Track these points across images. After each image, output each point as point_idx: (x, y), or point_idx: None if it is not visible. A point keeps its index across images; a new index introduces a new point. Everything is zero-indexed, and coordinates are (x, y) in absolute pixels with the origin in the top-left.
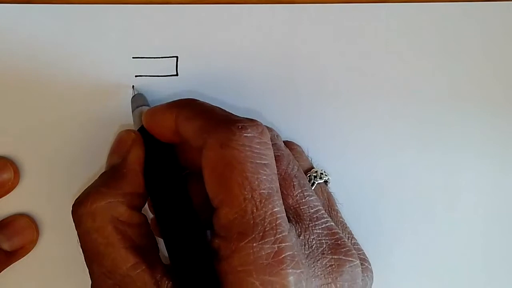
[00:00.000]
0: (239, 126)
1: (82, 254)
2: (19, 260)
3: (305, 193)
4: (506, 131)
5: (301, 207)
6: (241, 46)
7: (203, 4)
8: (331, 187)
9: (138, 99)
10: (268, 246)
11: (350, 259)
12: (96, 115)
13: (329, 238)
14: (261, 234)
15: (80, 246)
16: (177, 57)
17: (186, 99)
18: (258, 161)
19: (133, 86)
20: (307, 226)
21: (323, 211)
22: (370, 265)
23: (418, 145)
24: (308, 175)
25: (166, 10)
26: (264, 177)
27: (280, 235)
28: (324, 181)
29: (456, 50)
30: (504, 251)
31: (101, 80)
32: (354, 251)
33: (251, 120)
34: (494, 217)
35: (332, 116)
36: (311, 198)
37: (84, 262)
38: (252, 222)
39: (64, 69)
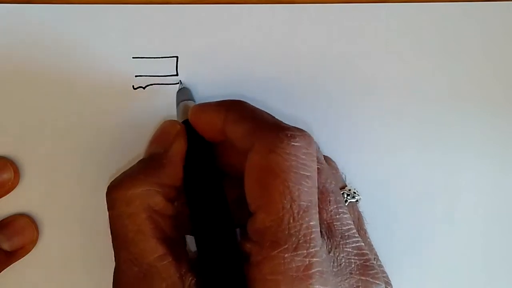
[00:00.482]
0: (288, 134)
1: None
2: (19, 260)
3: (339, 210)
4: (506, 131)
5: (335, 223)
6: (241, 46)
7: (203, 4)
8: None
9: (184, 93)
10: (299, 258)
11: (377, 282)
12: (96, 115)
13: (358, 258)
14: (294, 245)
15: (109, 229)
16: (177, 57)
17: (236, 100)
18: (302, 172)
19: (180, 80)
20: (338, 243)
21: (354, 230)
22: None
23: (418, 145)
24: (342, 192)
25: (166, 10)
26: (306, 189)
27: (313, 250)
28: (356, 201)
29: (456, 50)
30: (504, 251)
31: (101, 80)
32: (380, 274)
33: (300, 130)
34: (494, 217)
35: (332, 116)
36: (345, 216)
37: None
38: (287, 232)
39: (64, 69)
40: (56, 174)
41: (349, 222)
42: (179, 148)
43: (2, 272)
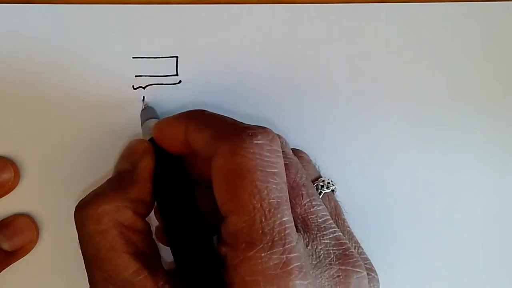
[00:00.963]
0: (249, 133)
1: (82, 258)
2: (19, 260)
3: (313, 203)
4: (506, 131)
5: (309, 217)
6: (241, 46)
7: (203, 4)
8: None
9: (148, 112)
10: (276, 256)
11: (358, 270)
12: (96, 115)
13: (337, 248)
14: (269, 244)
15: (80, 249)
16: (177, 57)
17: (195, 110)
18: (268, 170)
19: (143, 97)
20: (315, 236)
21: (331, 221)
22: (376, 275)
23: (418, 145)
24: (315, 184)
25: (166, 10)
26: (274, 186)
27: (289, 245)
28: (331, 190)
29: (456, 50)
30: (504, 251)
31: (101, 80)
32: (361, 262)
33: (261, 127)
34: (494, 217)
35: (332, 116)
36: (319, 208)
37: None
38: (260, 231)
39: (64, 69)
40: (56, 174)
41: (324, 213)
42: (147, 164)
43: (2, 272)
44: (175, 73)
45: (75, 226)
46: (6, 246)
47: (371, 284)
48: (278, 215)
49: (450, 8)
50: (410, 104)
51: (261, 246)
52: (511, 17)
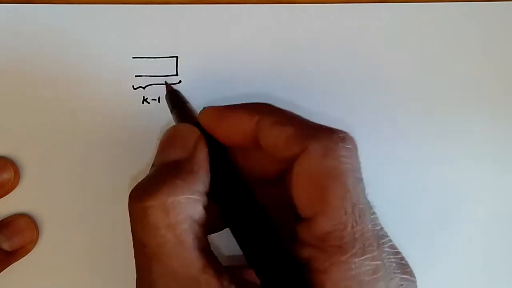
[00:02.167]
0: (340, 137)
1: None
2: (19, 260)
3: (371, 210)
4: (506, 131)
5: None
6: (241, 46)
7: (203, 4)
8: None
9: (177, 96)
10: (368, 262)
11: (413, 279)
12: (96, 115)
13: (394, 257)
14: (361, 250)
15: (133, 239)
16: (177, 57)
17: (265, 104)
18: (357, 175)
19: (165, 81)
20: (378, 244)
21: (385, 230)
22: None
23: (417, 145)
24: None
25: (166, 10)
26: (362, 191)
27: (376, 253)
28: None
29: (456, 50)
30: (504, 251)
31: (101, 80)
32: (413, 270)
33: (345, 132)
34: (494, 217)
35: (331, 116)
36: (376, 216)
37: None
38: (352, 236)
39: (64, 69)
40: (56, 174)
41: (379, 222)
42: (204, 153)
43: (2, 272)
44: (175, 73)
45: (75, 226)
46: (6, 246)
47: None
48: (366, 221)
49: (450, 8)
50: (409, 104)
51: (354, 251)
52: (511, 17)
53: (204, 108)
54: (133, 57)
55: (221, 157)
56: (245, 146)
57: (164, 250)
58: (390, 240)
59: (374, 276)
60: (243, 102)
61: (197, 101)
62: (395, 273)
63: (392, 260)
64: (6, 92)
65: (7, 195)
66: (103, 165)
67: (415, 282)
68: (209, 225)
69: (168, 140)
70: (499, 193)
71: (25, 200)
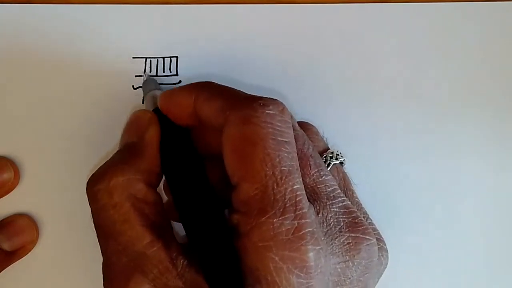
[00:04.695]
0: (261, 103)
1: (95, 231)
2: (19, 260)
3: (321, 173)
4: (506, 131)
5: (318, 186)
6: (241, 46)
7: (203, 4)
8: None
9: (150, 83)
10: (288, 222)
11: (367, 237)
12: (96, 115)
13: (346, 216)
14: (281, 210)
15: (93, 223)
16: (177, 57)
17: (204, 81)
18: (279, 138)
19: (144, 70)
20: (324, 204)
21: (339, 190)
22: (385, 245)
23: (417, 145)
24: (324, 156)
25: (166, 10)
26: (285, 154)
27: (300, 212)
28: (340, 162)
29: (456, 50)
30: (505, 251)
31: (101, 80)
32: (370, 230)
33: (272, 99)
34: (494, 217)
35: (331, 116)
36: (328, 178)
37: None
38: (272, 198)
39: (64, 69)
40: (56, 174)
41: (333, 183)
42: (153, 134)
43: (2, 272)
44: (175, 73)
45: (75, 225)
46: (6, 246)
47: (380, 253)
48: (290, 183)
49: (450, 8)
50: (410, 104)
51: (273, 212)
52: (511, 17)
53: (162, 92)
54: (133, 57)
55: (175, 136)
56: (196, 124)
57: (114, 228)
58: (342, 201)
59: (297, 234)
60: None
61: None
62: (341, 231)
63: (341, 218)
64: (6, 92)
65: (7, 195)
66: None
67: (370, 240)
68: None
69: (126, 126)
70: (499, 193)
71: (25, 200)
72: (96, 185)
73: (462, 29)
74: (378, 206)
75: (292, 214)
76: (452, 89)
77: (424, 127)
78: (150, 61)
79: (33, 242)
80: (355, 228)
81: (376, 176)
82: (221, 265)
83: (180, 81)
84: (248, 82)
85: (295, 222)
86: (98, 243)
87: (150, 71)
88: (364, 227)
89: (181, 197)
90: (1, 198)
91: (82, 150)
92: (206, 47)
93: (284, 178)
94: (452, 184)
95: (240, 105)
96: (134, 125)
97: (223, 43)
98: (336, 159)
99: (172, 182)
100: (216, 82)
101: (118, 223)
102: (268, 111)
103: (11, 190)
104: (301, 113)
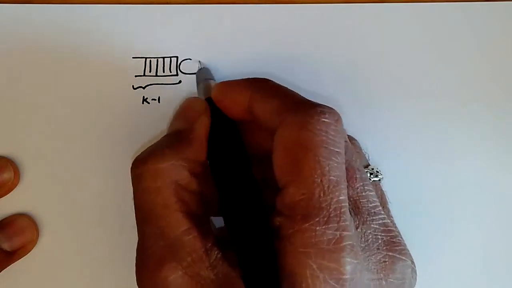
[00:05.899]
0: (318, 111)
1: (135, 214)
2: (19, 260)
3: (365, 187)
4: (506, 131)
5: (361, 200)
6: (241, 46)
7: (203, 4)
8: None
9: (204, 72)
10: (330, 232)
11: (404, 258)
12: (96, 115)
13: (385, 234)
14: (325, 219)
15: (133, 204)
16: (177, 57)
17: (261, 78)
18: (331, 148)
19: (199, 61)
20: (365, 219)
21: (380, 208)
22: (415, 266)
23: (417, 145)
24: (365, 171)
25: (166, 10)
26: (335, 164)
27: (343, 223)
28: (379, 180)
29: (456, 50)
30: (505, 251)
31: (101, 80)
32: (407, 251)
33: (329, 107)
34: (494, 217)
35: None
36: (371, 193)
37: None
38: (318, 205)
39: (64, 69)
40: (56, 174)
41: (375, 199)
42: (204, 123)
43: (2, 272)
44: (175, 73)
45: (75, 225)
46: (6, 246)
47: (411, 275)
48: (336, 193)
49: (450, 8)
50: (409, 104)
51: (317, 219)
52: (510, 17)
53: (217, 83)
54: (133, 57)
55: (225, 129)
56: (248, 120)
57: (153, 212)
58: (383, 218)
59: (338, 245)
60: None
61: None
62: (379, 249)
63: (380, 236)
64: (6, 92)
65: (7, 195)
66: (103, 164)
67: (406, 261)
68: (206, 196)
69: (177, 112)
70: (499, 193)
71: (25, 200)
72: (141, 166)
73: (462, 29)
74: None
75: (336, 225)
76: (452, 88)
77: (424, 127)
78: (150, 61)
79: (33, 242)
80: (392, 247)
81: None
82: (259, 265)
83: (180, 81)
84: None
85: (337, 233)
86: (136, 225)
87: (150, 71)
88: (402, 247)
89: (226, 192)
90: (1, 198)
91: (82, 150)
92: (206, 47)
93: (331, 187)
94: (451, 185)
95: (297, 109)
96: (185, 112)
97: (223, 43)
98: (376, 176)
99: (218, 176)
100: (270, 80)
101: (158, 207)
102: (324, 119)
103: (11, 190)
104: None
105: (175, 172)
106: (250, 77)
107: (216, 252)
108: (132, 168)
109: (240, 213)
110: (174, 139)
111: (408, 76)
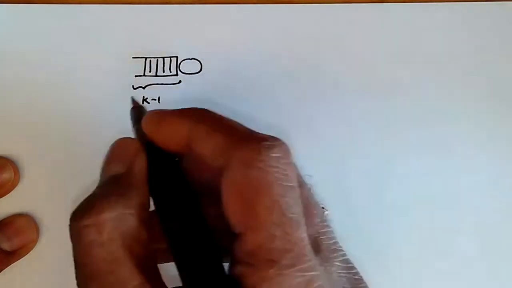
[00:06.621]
0: (265, 145)
1: (75, 271)
2: (19, 260)
3: (323, 223)
4: (506, 131)
5: (321, 237)
6: (241, 46)
7: (203, 4)
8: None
9: (139, 111)
10: (299, 274)
11: None
12: (96, 115)
13: (347, 272)
14: (292, 261)
15: (73, 261)
16: (177, 57)
17: (199, 109)
18: (285, 183)
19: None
20: (327, 257)
21: (339, 244)
22: None
23: (417, 145)
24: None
25: (166, 10)
26: (293, 200)
27: (310, 263)
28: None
29: (455, 50)
30: (505, 251)
31: (101, 80)
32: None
33: (276, 138)
34: (494, 217)
35: (331, 116)
36: (329, 229)
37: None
38: (282, 247)
39: (64, 69)
40: (56, 174)
41: (334, 235)
42: (142, 165)
43: (2, 272)
44: (175, 73)
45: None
46: (6, 246)
47: None
48: (299, 231)
49: (450, 8)
50: (409, 104)
51: (283, 263)
52: (510, 17)
53: (147, 112)
54: (133, 57)
55: (166, 166)
56: (186, 153)
57: (99, 268)
58: (343, 255)
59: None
60: (184, 108)
61: (196, 101)
62: (344, 287)
63: (343, 274)
64: (6, 92)
65: (7, 195)
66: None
67: None
68: (153, 241)
69: (109, 155)
70: (499, 193)
71: (25, 200)
72: (82, 220)
73: (462, 29)
74: (376, 206)
75: (303, 265)
76: (452, 88)
77: (423, 127)
78: (150, 61)
79: (33, 242)
80: (356, 285)
81: (371, 176)
82: None
83: (180, 81)
84: (248, 81)
85: (306, 274)
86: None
87: (150, 71)
88: (364, 285)
89: (174, 237)
90: (1, 198)
91: (82, 150)
92: (206, 47)
93: (293, 226)
94: (449, 185)
95: (243, 146)
96: (119, 155)
97: (223, 43)
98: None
99: (163, 220)
100: (210, 111)
101: (106, 262)
102: (273, 154)
103: (11, 190)
104: (298, 113)
105: (122, 222)
106: (189, 107)
107: None
108: (71, 223)
109: (194, 262)
110: (114, 185)
111: (408, 76)
